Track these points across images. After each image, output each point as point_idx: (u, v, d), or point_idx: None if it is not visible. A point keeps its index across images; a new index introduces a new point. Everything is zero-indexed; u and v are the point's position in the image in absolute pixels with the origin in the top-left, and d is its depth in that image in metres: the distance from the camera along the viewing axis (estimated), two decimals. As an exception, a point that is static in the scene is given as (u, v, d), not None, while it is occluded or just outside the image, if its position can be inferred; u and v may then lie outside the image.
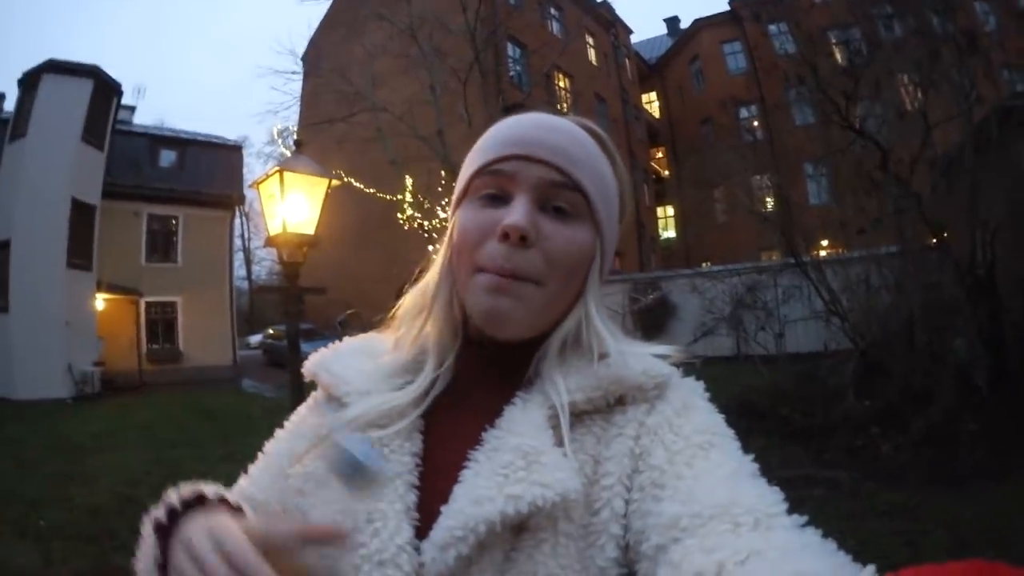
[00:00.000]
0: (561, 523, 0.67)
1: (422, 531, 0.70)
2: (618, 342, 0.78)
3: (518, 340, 0.76)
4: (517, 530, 0.68)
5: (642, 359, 0.75)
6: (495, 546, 0.66)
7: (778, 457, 6.54)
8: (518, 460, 0.68)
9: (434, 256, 0.85)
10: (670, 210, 35.69)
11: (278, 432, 0.90)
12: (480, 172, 0.78)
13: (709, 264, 19.76)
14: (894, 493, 5.45)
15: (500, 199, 0.76)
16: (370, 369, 0.83)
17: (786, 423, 7.59)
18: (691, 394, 0.75)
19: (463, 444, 0.73)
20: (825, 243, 11.76)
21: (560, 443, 0.70)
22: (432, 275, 0.83)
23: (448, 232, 0.81)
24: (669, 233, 35.79)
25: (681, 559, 0.57)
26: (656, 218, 35.15)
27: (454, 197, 0.83)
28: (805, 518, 0.58)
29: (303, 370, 0.88)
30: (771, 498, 0.60)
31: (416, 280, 0.87)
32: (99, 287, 18.88)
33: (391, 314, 0.88)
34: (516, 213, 0.72)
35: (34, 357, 16.13)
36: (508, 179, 0.75)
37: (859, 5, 8.91)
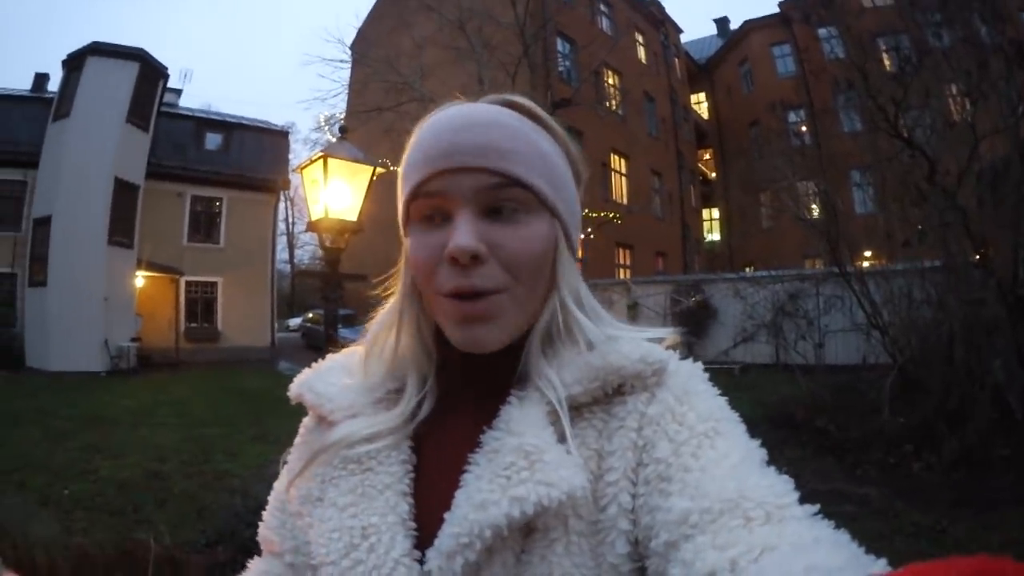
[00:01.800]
0: (572, 521, 0.65)
1: (424, 540, 0.69)
2: (604, 327, 0.77)
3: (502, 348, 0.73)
4: (526, 531, 0.66)
5: (637, 345, 0.73)
6: (504, 550, 0.65)
7: (811, 469, 6.45)
8: (520, 460, 0.66)
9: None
10: (716, 213, 35.37)
11: (283, 468, 0.89)
12: (413, 197, 0.73)
13: (752, 269, 19.59)
14: (922, 514, 5.32)
15: (439, 218, 0.72)
16: (351, 385, 0.82)
17: (821, 435, 7.48)
18: (691, 378, 0.73)
19: (459, 447, 0.72)
20: (869, 254, 11.55)
21: (561, 439, 0.68)
22: (397, 298, 0.81)
23: (402, 257, 0.79)
24: (714, 236, 35.46)
25: (693, 557, 0.56)
26: (701, 220, 34.87)
27: (400, 221, 0.79)
28: (816, 507, 0.57)
29: (289, 394, 0.86)
30: (781, 488, 0.59)
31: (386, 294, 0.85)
32: (140, 265, 19.30)
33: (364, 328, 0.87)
34: (459, 235, 0.68)
35: (71, 330, 16.58)
36: (442, 198, 0.71)
37: (908, 11, 8.71)
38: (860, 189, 13.86)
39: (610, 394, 0.71)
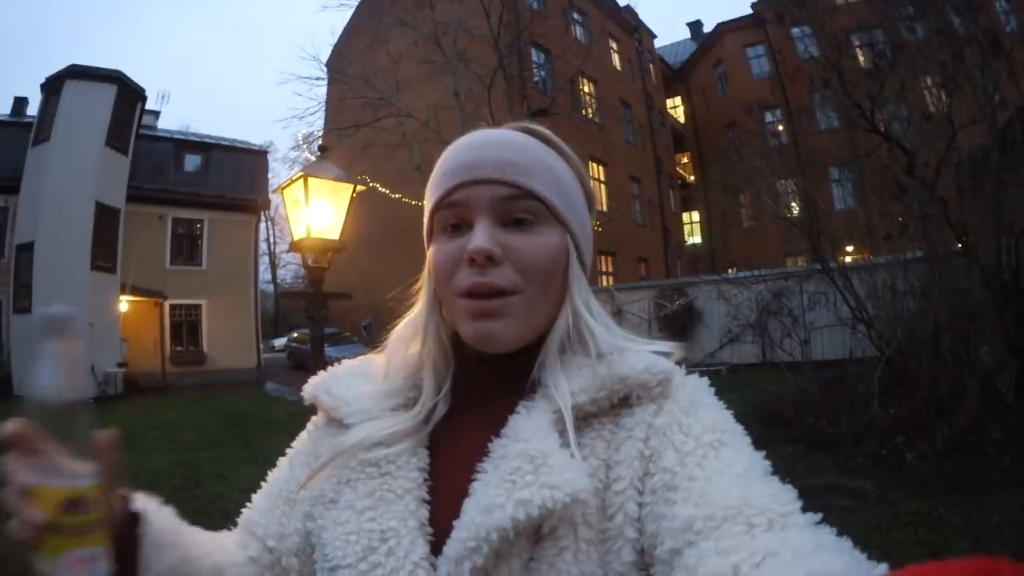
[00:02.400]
0: (582, 529, 0.67)
1: (436, 547, 0.70)
2: (615, 338, 0.79)
3: (513, 350, 0.77)
4: (535, 539, 0.67)
5: (642, 356, 0.75)
6: (512, 556, 0.66)
7: (804, 465, 6.48)
8: (525, 465, 0.67)
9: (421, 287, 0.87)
10: (696, 216, 35.57)
11: (280, 460, 0.92)
12: (437, 208, 0.80)
13: (735, 270, 19.64)
14: (919, 503, 5.35)
15: (461, 227, 0.78)
16: (369, 391, 0.84)
17: (812, 431, 7.51)
18: (697, 391, 0.75)
19: (470, 457, 0.73)
20: (851, 249, 11.63)
21: (568, 446, 0.70)
22: (419, 308, 0.85)
23: (426, 267, 0.83)
24: (695, 239, 35.63)
25: (696, 563, 0.57)
26: (682, 224, 35.02)
27: (425, 233, 0.85)
28: (819, 516, 0.58)
29: (303, 394, 0.88)
30: (784, 497, 0.60)
31: (409, 303, 0.88)
32: (123, 289, 19.14)
33: (383, 339, 0.89)
34: (477, 237, 0.74)
35: (57, 357, 16.31)
36: (463, 208, 0.77)
37: (882, 6, 8.82)
38: (839, 185, 13.96)
39: (616, 404, 0.74)
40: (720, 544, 0.57)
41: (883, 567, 0.49)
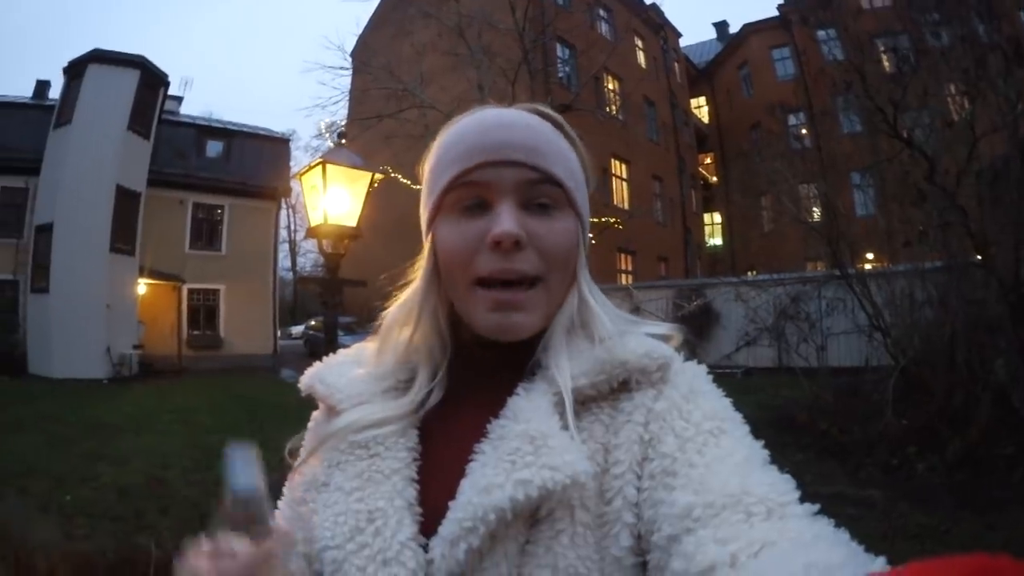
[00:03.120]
0: (579, 513, 0.66)
1: (428, 528, 0.70)
2: (616, 322, 0.79)
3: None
4: (531, 522, 0.67)
5: (643, 341, 0.75)
6: (508, 539, 0.66)
7: (813, 473, 6.43)
8: (525, 445, 0.67)
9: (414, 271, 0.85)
10: (717, 217, 35.38)
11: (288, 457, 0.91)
12: (453, 185, 0.76)
13: (754, 272, 19.55)
14: (926, 516, 5.32)
15: (479, 208, 0.75)
16: (361, 375, 0.84)
17: (824, 438, 7.47)
18: (696, 378, 0.75)
19: (466, 439, 0.73)
20: (871, 256, 11.52)
21: (568, 428, 0.70)
22: (414, 291, 0.82)
23: (427, 249, 0.81)
24: (715, 240, 35.44)
25: (695, 550, 0.56)
26: (703, 224, 34.85)
27: (425, 212, 0.82)
28: (817, 506, 0.58)
29: (300, 386, 0.89)
30: (783, 487, 0.60)
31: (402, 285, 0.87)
32: (142, 272, 19.36)
33: (375, 325, 0.89)
34: (504, 220, 0.72)
35: (73, 337, 16.61)
36: (484, 187, 0.75)
37: (906, 11, 8.73)
38: (860, 191, 13.83)
39: (616, 388, 0.73)
40: (719, 532, 0.57)
41: (881, 560, 0.48)
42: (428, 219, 0.81)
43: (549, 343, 0.76)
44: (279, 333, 24.88)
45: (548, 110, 0.83)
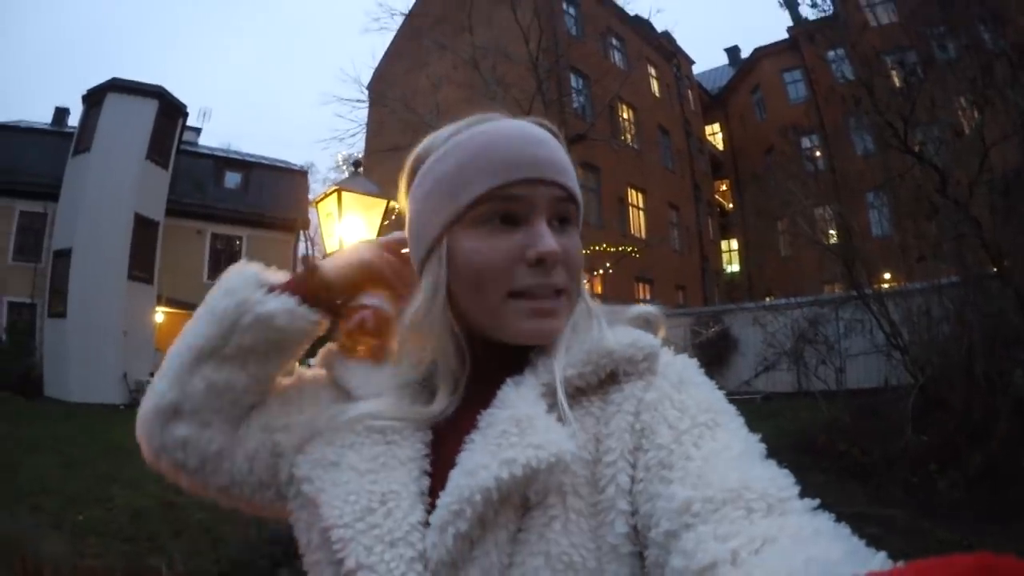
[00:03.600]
0: (571, 499, 0.67)
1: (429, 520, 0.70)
2: (599, 314, 0.81)
3: None
4: (523, 509, 0.67)
5: (627, 331, 0.77)
6: (499, 526, 0.66)
7: (834, 494, 6.33)
8: (511, 428, 0.68)
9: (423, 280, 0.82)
10: (734, 243, 35.18)
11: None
12: (490, 197, 0.75)
13: (772, 297, 19.40)
14: (949, 532, 5.27)
15: (511, 222, 0.76)
16: (380, 373, 0.84)
17: (844, 459, 7.38)
18: (687, 369, 0.75)
19: (465, 433, 0.73)
20: (888, 276, 11.44)
21: (556, 417, 0.70)
22: (431, 298, 0.79)
23: (442, 255, 0.78)
24: (733, 267, 35.24)
25: (695, 547, 0.56)
26: (720, 252, 34.63)
27: (437, 219, 0.78)
28: (817, 501, 0.58)
29: (315, 361, 0.91)
30: (783, 481, 0.60)
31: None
32: (160, 301, 19.50)
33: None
34: (547, 239, 0.74)
35: (90, 362, 16.68)
36: (522, 203, 0.76)
37: (912, 24, 8.76)
38: (875, 210, 13.77)
39: (604, 380, 0.74)
40: (719, 529, 0.56)
41: (881, 555, 0.48)
42: (442, 226, 0.78)
43: (556, 340, 0.77)
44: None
45: (547, 123, 0.84)
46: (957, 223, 7.36)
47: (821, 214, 12.42)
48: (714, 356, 15.22)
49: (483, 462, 0.66)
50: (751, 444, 0.66)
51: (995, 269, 7.26)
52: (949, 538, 5.14)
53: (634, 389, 0.72)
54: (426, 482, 0.74)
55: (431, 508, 0.70)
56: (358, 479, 0.73)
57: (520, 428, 0.67)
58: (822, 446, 7.85)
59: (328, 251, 4.77)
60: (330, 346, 0.90)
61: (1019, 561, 0.33)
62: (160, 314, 19.74)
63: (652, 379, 0.73)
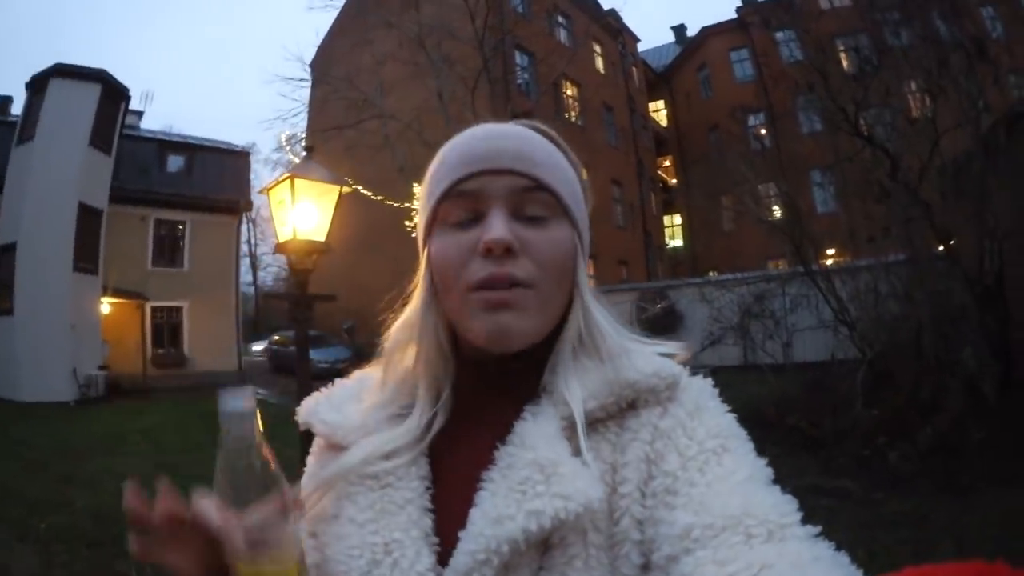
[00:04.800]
0: (591, 535, 0.65)
1: (442, 558, 0.68)
2: (622, 339, 0.78)
3: (521, 349, 0.74)
4: (543, 548, 0.66)
5: (651, 360, 0.74)
6: (521, 567, 0.65)
7: (787, 467, 6.51)
8: (536, 475, 0.66)
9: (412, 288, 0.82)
10: (677, 219, 35.64)
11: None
12: (446, 196, 0.76)
13: (716, 273, 19.76)
14: (902, 502, 5.43)
15: (471, 220, 0.74)
16: (364, 408, 0.81)
17: (794, 432, 7.55)
18: (702, 395, 0.74)
19: (475, 465, 0.72)
20: (832, 252, 11.72)
21: (576, 453, 0.68)
22: (414, 308, 0.80)
23: (424, 264, 0.79)
24: (676, 242, 35.72)
25: (692, 571, 0.56)
26: (663, 227, 35.03)
27: (421, 228, 0.81)
28: (818, 528, 0.57)
29: (297, 419, 0.86)
30: (785, 507, 0.59)
31: (400, 308, 0.84)
32: (105, 291, 18.93)
33: (379, 349, 0.86)
34: (495, 227, 0.71)
35: (39, 359, 16.21)
36: (476, 197, 0.74)
37: (868, 11, 8.91)
38: (821, 189, 14.09)
39: (624, 408, 0.72)
40: (717, 554, 0.56)
41: None
42: (423, 234, 0.80)
43: (557, 365, 0.75)
44: (243, 349, 24.53)
45: (543, 126, 0.82)
46: (907, 206, 7.57)
47: (765, 191, 12.67)
48: (660, 331, 15.34)
49: (508, 512, 0.64)
50: (757, 469, 0.65)
51: (943, 250, 7.50)
52: (903, 508, 5.31)
53: (651, 416, 0.71)
54: (428, 521, 0.72)
55: (439, 546, 0.70)
56: (358, 531, 0.72)
57: (545, 475, 0.65)
58: (772, 419, 8.01)
59: (280, 239, 4.65)
60: (306, 402, 0.86)
61: (1012, 569, 0.35)
62: (106, 305, 19.16)
63: (669, 406, 0.72)
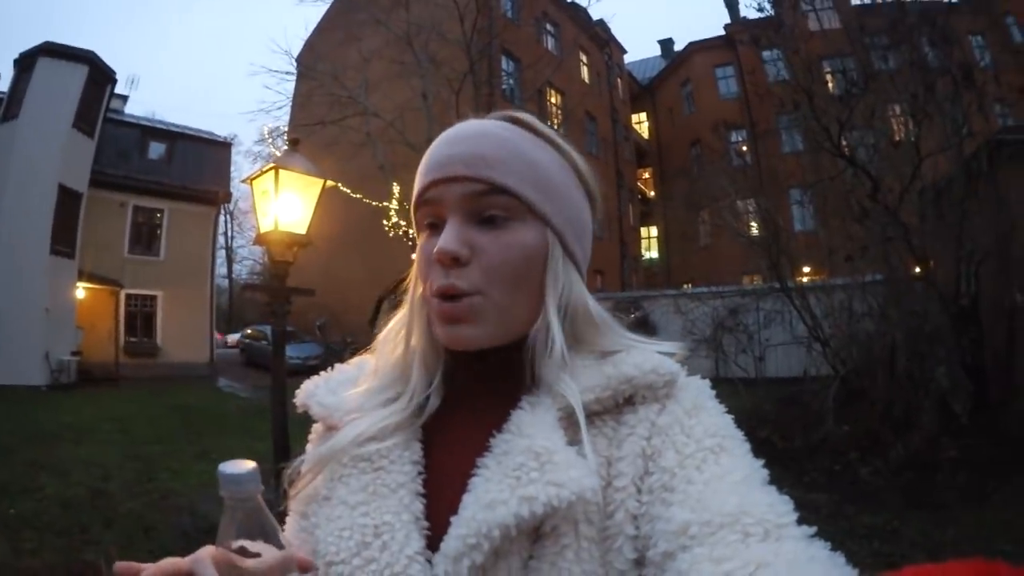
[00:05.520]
0: (583, 527, 0.65)
1: (432, 543, 0.68)
2: (618, 337, 0.79)
3: (489, 347, 0.75)
4: (534, 537, 0.66)
5: (649, 357, 0.74)
6: (510, 555, 0.65)
7: (758, 480, 6.56)
8: (530, 461, 0.66)
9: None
10: (654, 231, 35.79)
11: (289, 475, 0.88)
12: (416, 207, 0.79)
13: (691, 286, 19.88)
14: (874, 516, 5.49)
15: (437, 227, 0.75)
16: (359, 390, 0.82)
17: (765, 446, 7.59)
18: (700, 394, 0.74)
19: (468, 451, 0.72)
20: (808, 269, 11.85)
21: (572, 443, 0.68)
22: (407, 303, 0.83)
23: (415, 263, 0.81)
24: (652, 254, 35.87)
25: (689, 568, 0.56)
26: (639, 238, 35.16)
27: (415, 231, 0.82)
28: (814, 529, 0.58)
29: (295, 401, 0.86)
30: (781, 508, 0.60)
31: (398, 300, 0.86)
32: (80, 276, 18.63)
33: (374, 337, 0.87)
34: (443, 237, 0.72)
35: (11, 343, 15.87)
36: (436, 205, 0.75)
37: (857, 35, 9.02)
38: (800, 207, 14.22)
39: (620, 404, 0.73)
40: (714, 551, 0.56)
41: None
42: (417, 235, 0.82)
43: (546, 359, 0.74)
44: (215, 342, 24.27)
45: (523, 116, 0.81)
46: (885, 227, 7.67)
47: (744, 207, 12.78)
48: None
49: (501, 497, 0.64)
50: (754, 470, 0.65)
51: (920, 271, 7.61)
52: (874, 522, 5.38)
53: (648, 412, 0.71)
54: (419, 505, 0.72)
55: (429, 530, 0.70)
56: (349, 513, 0.72)
57: (539, 462, 0.66)
58: (744, 432, 8.06)
59: (262, 230, 4.61)
60: (305, 385, 0.87)
61: (1013, 568, 0.35)
62: (81, 290, 18.85)
63: (667, 403, 0.72)
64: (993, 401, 7.01)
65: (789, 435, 7.67)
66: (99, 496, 6.50)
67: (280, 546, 0.63)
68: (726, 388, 7.23)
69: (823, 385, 8.30)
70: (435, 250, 0.71)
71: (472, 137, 0.76)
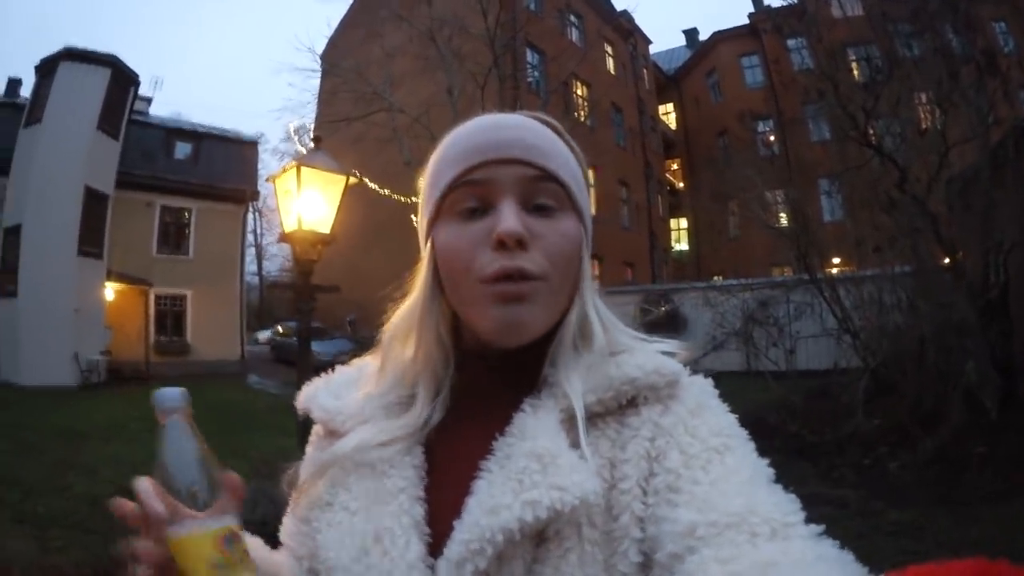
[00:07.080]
0: (586, 530, 0.65)
1: (435, 548, 0.68)
2: (622, 336, 0.78)
3: (529, 342, 0.73)
4: (537, 540, 0.66)
5: (652, 357, 0.73)
6: (514, 559, 0.64)
7: (786, 475, 6.47)
8: (533, 464, 0.65)
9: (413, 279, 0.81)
10: (683, 222, 35.57)
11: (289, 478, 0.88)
12: (453, 187, 0.74)
13: (720, 278, 19.74)
14: (901, 513, 5.41)
15: (480, 210, 0.73)
16: (362, 395, 0.82)
17: (795, 440, 7.54)
18: (703, 394, 0.74)
19: (471, 455, 0.71)
20: (838, 261, 11.71)
21: (575, 446, 0.68)
22: (415, 299, 0.79)
23: (427, 255, 0.78)
24: (682, 245, 35.68)
25: (696, 569, 0.56)
26: (669, 230, 34.97)
27: (424, 219, 0.80)
28: (822, 527, 0.57)
29: (296, 405, 0.87)
30: (788, 507, 0.59)
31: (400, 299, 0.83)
32: (109, 276, 18.89)
33: (375, 335, 0.85)
34: (507, 219, 0.70)
35: (41, 343, 16.16)
36: (485, 187, 0.73)
37: (880, 22, 8.90)
38: (828, 197, 14.07)
39: (623, 405, 0.72)
40: (721, 552, 0.56)
41: None
42: (427, 225, 0.79)
43: (557, 358, 0.74)
44: (246, 339, 24.54)
45: (548, 118, 0.81)
46: (913, 217, 7.56)
47: (773, 198, 12.66)
48: (663, 334, 15.42)
49: (504, 501, 0.64)
50: (759, 469, 0.65)
51: (948, 263, 7.49)
52: (901, 518, 5.30)
53: (651, 413, 0.70)
54: (420, 510, 0.71)
55: (431, 537, 0.69)
56: (350, 519, 0.72)
57: (543, 465, 0.65)
58: (773, 426, 8.01)
59: (285, 229, 4.62)
60: (306, 388, 0.87)
61: (1014, 566, 0.35)
62: (110, 290, 19.11)
63: (670, 403, 0.71)
64: (1022, 395, 6.86)
65: (819, 429, 7.59)
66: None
67: (209, 465, 0.67)
68: (756, 381, 7.23)
69: (853, 378, 8.20)
70: (500, 230, 0.69)
71: (522, 126, 0.76)
